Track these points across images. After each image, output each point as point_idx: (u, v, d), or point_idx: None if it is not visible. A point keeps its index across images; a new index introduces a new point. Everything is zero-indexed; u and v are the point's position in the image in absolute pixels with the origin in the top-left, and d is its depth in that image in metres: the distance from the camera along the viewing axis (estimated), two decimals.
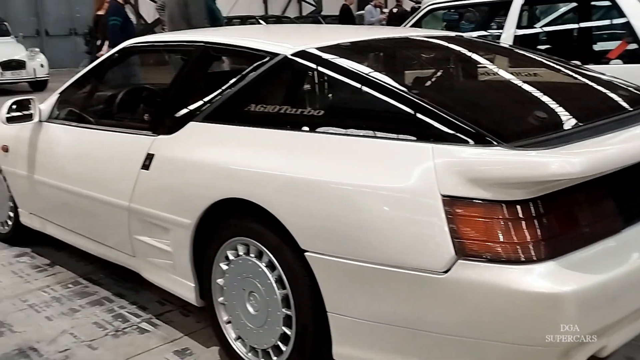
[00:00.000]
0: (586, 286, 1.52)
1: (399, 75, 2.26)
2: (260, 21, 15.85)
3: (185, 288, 2.36)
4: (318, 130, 1.95)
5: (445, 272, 1.59)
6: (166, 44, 2.78)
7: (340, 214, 1.77)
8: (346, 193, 1.77)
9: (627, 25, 3.80)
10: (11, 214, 3.51)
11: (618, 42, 3.98)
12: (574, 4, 4.56)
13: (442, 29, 4.98)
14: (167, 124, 2.42)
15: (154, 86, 3.14)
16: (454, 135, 1.68)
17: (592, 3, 4.42)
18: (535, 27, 4.50)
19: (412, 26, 4.66)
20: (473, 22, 5.16)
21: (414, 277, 1.64)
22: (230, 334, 2.22)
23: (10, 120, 2.97)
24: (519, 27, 4.19)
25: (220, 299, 2.23)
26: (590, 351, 1.60)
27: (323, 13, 20.05)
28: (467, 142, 1.65)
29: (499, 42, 2.84)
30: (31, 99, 3.05)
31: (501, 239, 1.56)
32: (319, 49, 2.18)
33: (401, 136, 1.77)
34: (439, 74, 2.45)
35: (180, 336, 2.51)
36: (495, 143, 1.63)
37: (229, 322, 2.22)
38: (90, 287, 3.02)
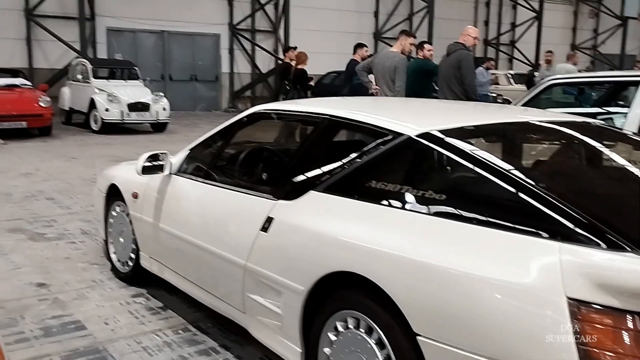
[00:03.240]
0: None
1: (525, 164, 2.25)
2: None
3: (291, 351, 2.41)
4: (439, 213, 1.97)
5: None
6: (293, 113, 2.93)
7: (458, 302, 1.76)
8: (466, 282, 1.76)
9: None
10: (132, 256, 3.75)
11: None
12: None
13: (558, 105, 4.87)
14: (288, 190, 2.53)
15: (278, 149, 3.30)
16: (584, 235, 1.64)
17: None
18: None
19: (530, 99, 4.60)
20: (590, 100, 5.05)
21: None
22: None
23: (145, 171, 3.21)
24: None
25: None
26: None
27: None
28: (599, 245, 1.61)
29: (630, 132, 2.73)
30: (164, 153, 3.29)
31: (629, 352, 1.49)
32: (442, 131, 2.22)
33: (526, 230, 1.75)
34: (566, 165, 2.40)
35: None
36: (628, 249, 1.57)
37: None
38: (198, 335, 3.14)
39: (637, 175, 2.08)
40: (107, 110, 11.99)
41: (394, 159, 2.27)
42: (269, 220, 2.51)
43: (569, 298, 1.57)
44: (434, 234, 1.94)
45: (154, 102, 12.39)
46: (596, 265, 1.58)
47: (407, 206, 2.07)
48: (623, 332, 1.50)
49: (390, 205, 2.13)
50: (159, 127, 12.63)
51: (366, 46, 9.27)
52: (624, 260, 1.55)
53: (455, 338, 1.76)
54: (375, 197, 2.19)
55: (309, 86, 9.90)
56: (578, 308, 1.55)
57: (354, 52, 9.00)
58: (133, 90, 12.58)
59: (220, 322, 3.19)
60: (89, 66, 12.80)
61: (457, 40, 6.50)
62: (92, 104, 12.21)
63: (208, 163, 3.18)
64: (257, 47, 19.02)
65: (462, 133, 2.24)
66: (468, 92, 5.96)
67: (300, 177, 2.51)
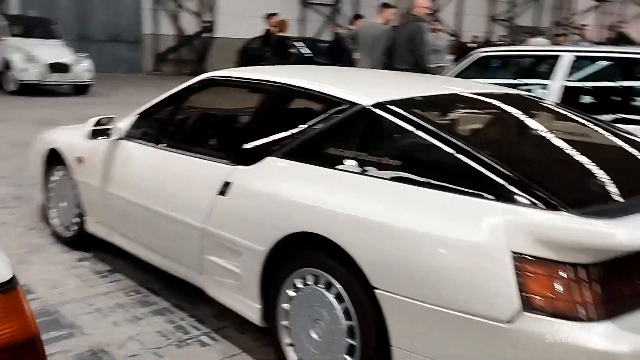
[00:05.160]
0: (638, 346, 1.68)
1: (469, 133, 2.46)
2: None
3: (250, 309, 2.55)
4: (394, 178, 2.14)
5: (510, 322, 1.76)
6: (248, 80, 3.00)
7: (413, 258, 1.95)
8: (420, 239, 1.95)
9: None
10: (75, 220, 3.73)
11: None
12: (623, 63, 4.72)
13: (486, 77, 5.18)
14: (245, 156, 2.63)
15: (233, 115, 3.37)
16: (525, 197, 1.86)
17: None
18: (582, 82, 4.67)
19: (463, 71, 4.87)
20: (514, 72, 5.45)
21: (480, 324, 1.81)
22: (291, 356, 2.40)
23: (94, 135, 3.20)
24: (566, 80, 4.38)
25: (285, 323, 2.41)
26: None
27: None
28: (537, 206, 1.83)
29: (563, 106, 3.00)
30: (111, 117, 3.29)
31: (564, 297, 1.73)
32: (394, 101, 2.38)
33: (474, 192, 1.95)
34: (505, 134, 2.63)
35: (238, 352, 2.69)
36: (563, 209, 1.80)
37: (291, 345, 2.40)
38: (150, 296, 3.22)
39: (568, 142, 2.33)
40: (24, 70, 11.40)
41: (350, 127, 2.42)
42: (227, 184, 2.61)
43: (513, 252, 1.78)
44: (390, 196, 2.11)
45: (76, 62, 11.89)
46: (536, 224, 1.80)
47: (363, 171, 2.23)
48: (559, 280, 1.74)
49: (346, 170, 2.28)
50: (80, 90, 12.15)
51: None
52: (559, 218, 1.78)
53: (409, 290, 1.96)
54: (332, 162, 2.34)
55: (288, 53, 9.88)
56: (520, 261, 1.77)
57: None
58: (53, 50, 12.01)
59: (171, 284, 3.27)
60: (3, 23, 12.08)
61: (409, 11, 6.76)
62: (7, 64, 11.57)
63: (160, 128, 3.21)
64: (181, 8, 18.51)
65: (413, 103, 2.42)
66: (418, 63, 6.28)
67: (258, 143, 2.61)
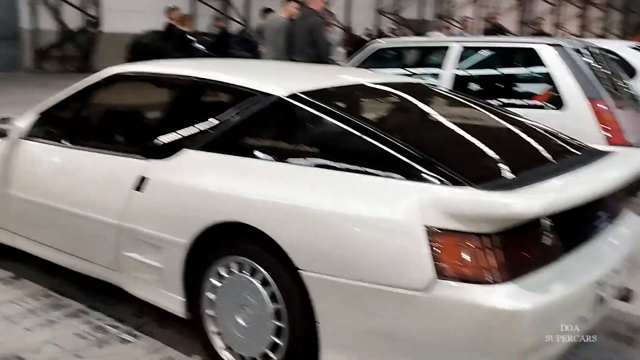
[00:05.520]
0: (538, 304, 1.90)
1: (381, 119, 2.62)
2: None
3: (173, 302, 2.57)
4: (312, 164, 2.25)
5: (426, 290, 1.93)
6: (160, 75, 2.98)
7: (334, 238, 2.08)
8: (339, 220, 2.08)
9: (548, 74, 4.38)
10: None
11: (543, 86, 4.56)
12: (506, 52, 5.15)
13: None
14: (160, 150, 2.63)
15: (142, 110, 3.33)
16: (434, 177, 2.03)
17: (518, 53, 5.03)
18: (469, 69, 5.03)
19: (362, 63, 5.08)
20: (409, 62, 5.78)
21: (399, 295, 1.97)
22: (218, 343, 2.45)
23: None
24: (456, 68, 4.72)
25: (210, 312, 2.46)
26: (542, 355, 1.98)
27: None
28: (444, 183, 2.01)
29: (457, 92, 3.25)
30: (8, 118, 3.15)
31: (472, 264, 1.92)
32: (308, 92, 2.49)
33: (389, 174, 2.10)
34: (414, 119, 2.82)
35: (162, 346, 2.70)
36: (467, 185, 1.99)
37: (218, 334, 2.45)
38: (63, 300, 3.13)
39: (463, 126, 2.55)
40: None
41: (267, 117, 2.50)
42: (143, 179, 2.60)
43: (425, 226, 1.95)
44: (308, 182, 2.22)
45: None
46: (444, 199, 1.97)
47: (281, 159, 2.33)
48: (467, 249, 1.92)
49: (264, 159, 2.36)
50: None
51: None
52: (464, 193, 1.97)
53: (333, 269, 2.08)
54: (250, 152, 2.41)
55: (190, 48, 9.77)
56: (432, 234, 1.94)
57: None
58: None
59: (83, 286, 3.19)
60: None
61: (307, 5, 6.87)
62: None
63: (65, 126, 3.12)
64: (63, 2, 17.58)
65: (325, 93, 2.54)
66: (320, 56, 6.47)
67: (173, 137, 2.63)
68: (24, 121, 3.21)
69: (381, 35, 19.07)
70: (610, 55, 6.02)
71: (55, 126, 3.16)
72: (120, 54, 16.89)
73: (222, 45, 12.56)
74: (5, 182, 3.19)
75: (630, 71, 5.99)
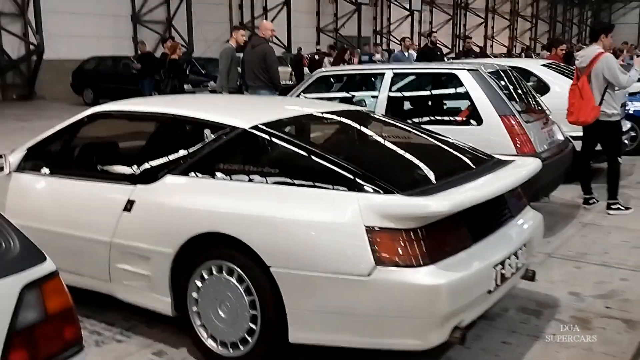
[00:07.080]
0: (452, 280, 2.52)
1: (328, 143, 3.22)
2: None
3: (161, 303, 3.07)
4: (275, 182, 2.82)
5: (369, 275, 2.51)
6: (139, 113, 3.50)
7: (295, 239, 2.65)
8: (298, 224, 2.65)
9: (468, 95, 5.09)
10: None
11: (465, 105, 5.27)
12: (432, 78, 5.87)
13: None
14: (145, 177, 3.14)
15: (126, 143, 3.82)
16: (371, 187, 2.63)
17: (443, 78, 5.75)
18: (401, 92, 5.72)
19: (306, 89, 5.70)
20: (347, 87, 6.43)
21: (348, 280, 2.55)
22: (203, 334, 2.97)
23: None
24: (389, 92, 5.39)
25: (195, 309, 2.98)
26: (455, 321, 2.58)
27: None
28: (379, 192, 2.61)
29: (387, 116, 3.89)
30: (3, 154, 3.58)
31: (402, 253, 2.52)
32: (267, 124, 3.06)
33: (335, 187, 2.69)
34: (353, 141, 3.44)
35: (153, 342, 3.19)
36: (396, 192, 2.60)
37: (202, 326, 2.97)
38: None
39: (393, 144, 3.18)
40: None
41: (234, 146, 3.06)
42: (131, 202, 3.10)
43: (366, 226, 2.54)
44: (272, 196, 2.79)
45: None
46: (379, 205, 2.57)
47: (249, 179, 2.88)
48: (397, 242, 2.52)
49: (235, 179, 2.91)
50: None
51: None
52: (394, 199, 2.57)
53: (295, 264, 2.64)
54: (222, 175, 2.96)
55: (181, 73, 10.69)
56: (371, 232, 2.53)
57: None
58: None
59: (75, 299, 3.61)
60: None
61: (257, 33, 7.48)
62: None
63: (55, 159, 3.57)
64: (3, 31, 17.59)
65: (281, 124, 3.12)
66: (273, 80, 7.10)
67: (156, 165, 3.14)
68: (15, 156, 3.64)
69: (317, 53, 19.86)
70: (529, 73, 6.87)
71: (45, 159, 3.60)
72: (63, 80, 17.06)
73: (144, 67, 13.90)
74: (2, 211, 3.60)
75: (545, 87, 6.76)
